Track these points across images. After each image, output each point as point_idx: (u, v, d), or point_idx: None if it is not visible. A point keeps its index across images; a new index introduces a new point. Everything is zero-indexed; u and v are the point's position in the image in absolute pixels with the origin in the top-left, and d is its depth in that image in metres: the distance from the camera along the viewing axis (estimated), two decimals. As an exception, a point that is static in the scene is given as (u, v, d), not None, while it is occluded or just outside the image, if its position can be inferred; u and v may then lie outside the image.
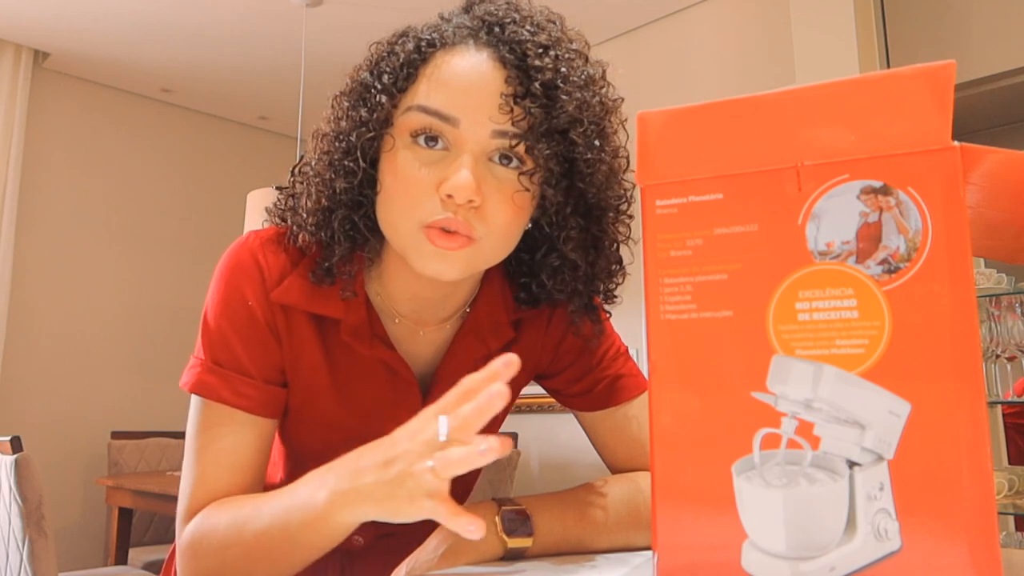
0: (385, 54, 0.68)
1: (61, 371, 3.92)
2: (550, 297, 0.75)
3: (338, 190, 0.68)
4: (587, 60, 0.68)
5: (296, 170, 0.74)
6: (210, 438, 0.69)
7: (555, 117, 0.63)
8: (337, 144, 0.68)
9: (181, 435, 3.82)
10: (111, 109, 4.27)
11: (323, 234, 0.69)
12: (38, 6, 3.47)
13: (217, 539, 0.63)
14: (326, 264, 0.70)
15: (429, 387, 0.77)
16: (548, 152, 0.64)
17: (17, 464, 1.83)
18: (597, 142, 0.66)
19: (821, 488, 0.45)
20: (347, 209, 0.69)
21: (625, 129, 0.71)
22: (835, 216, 0.45)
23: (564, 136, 0.64)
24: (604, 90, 0.68)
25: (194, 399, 0.71)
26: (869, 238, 0.44)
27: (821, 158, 0.46)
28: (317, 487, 0.57)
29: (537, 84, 0.63)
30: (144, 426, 4.01)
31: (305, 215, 0.70)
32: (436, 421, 0.52)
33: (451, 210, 0.63)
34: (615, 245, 0.73)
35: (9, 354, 3.72)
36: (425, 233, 0.64)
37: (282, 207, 0.74)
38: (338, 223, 0.69)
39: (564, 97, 0.63)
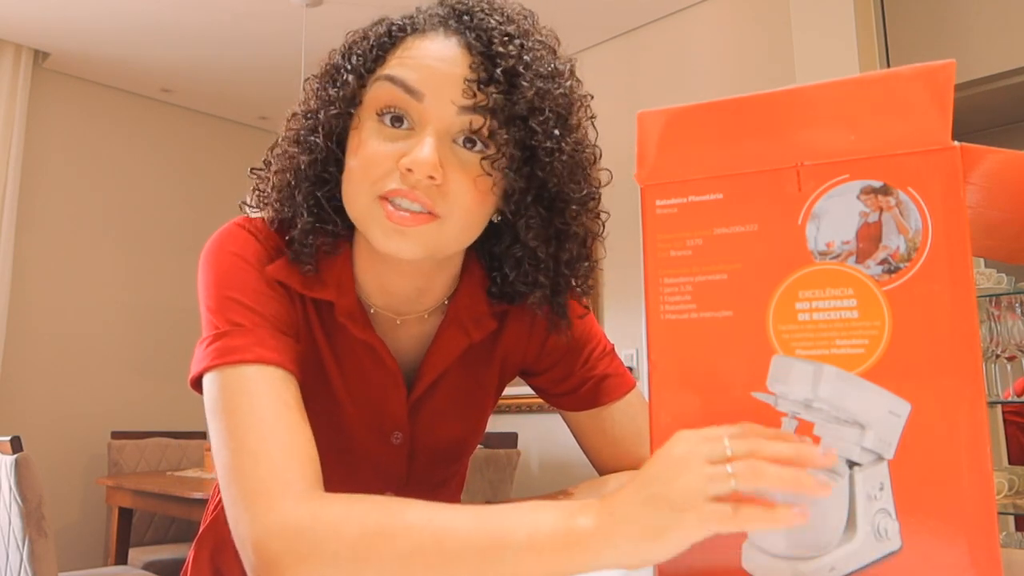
0: (358, 39, 0.70)
1: (61, 371, 3.92)
2: (514, 290, 0.75)
3: (302, 165, 0.69)
4: (555, 54, 0.70)
5: (270, 152, 0.75)
6: (260, 405, 0.60)
7: (515, 103, 0.64)
8: (305, 121, 0.70)
9: (181, 435, 3.83)
10: (111, 109, 4.27)
11: (286, 209, 0.70)
12: (38, 6, 3.47)
13: (367, 540, 0.51)
14: (296, 239, 0.69)
15: (414, 381, 0.77)
16: (507, 137, 0.65)
17: (17, 464, 1.83)
18: (557, 131, 0.67)
19: (821, 488, 0.44)
20: (311, 184, 0.69)
21: (594, 127, 0.72)
22: (835, 216, 0.45)
23: (524, 123, 0.65)
24: (570, 83, 0.70)
25: (217, 380, 0.63)
26: (869, 238, 0.44)
27: (821, 158, 0.46)
28: (567, 512, 0.49)
29: (499, 71, 0.64)
30: (144, 426, 4.01)
31: (270, 190, 0.71)
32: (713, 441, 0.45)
33: (410, 184, 0.63)
34: (582, 240, 0.73)
35: (9, 354, 3.71)
36: (381, 205, 0.64)
37: (257, 188, 0.74)
38: (301, 198, 0.69)
39: (524, 84, 0.65)
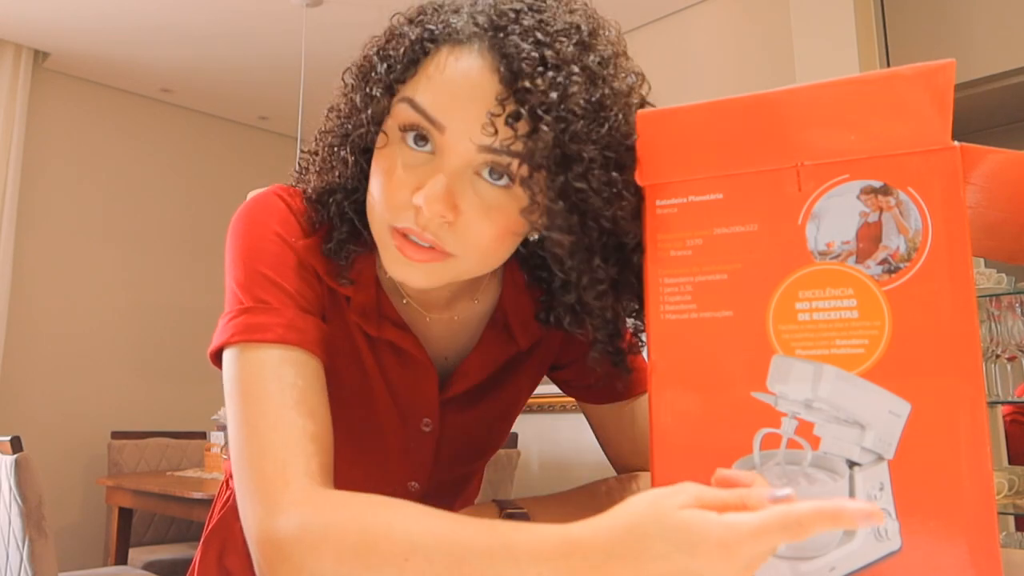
0: (396, 34, 0.63)
1: (61, 371, 3.91)
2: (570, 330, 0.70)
3: (337, 176, 0.66)
4: (611, 72, 0.59)
5: (316, 136, 0.72)
6: (275, 390, 0.59)
7: (549, 146, 0.55)
8: (340, 127, 0.66)
9: (181, 435, 3.83)
10: (111, 109, 4.27)
11: (326, 213, 0.68)
12: (38, 6, 3.47)
13: (367, 546, 0.50)
14: (331, 242, 0.68)
15: (450, 378, 0.75)
16: (548, 184, 0.57)
17: (17, 464, 1.83)
18: (615, 174, 0.57)
19: (821, 488, 0.44)
20: (342, 195, 0.67)
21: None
22: (835, 216, 0.45)
23: (562, 169, 0.56)
24: (620, 114, 0.58)
25: (236, 359, 0.62)
26: (869, 238, 0.44)
27: (821, 158, 0.46)
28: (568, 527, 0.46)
29: (531, 107, 0.55)
30: (144, 426, 4.01)
31: (311, 191, 0.69)
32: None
33: (420, 222, 0.59)
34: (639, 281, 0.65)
35: (9, 354, 3.71)
36: (392, 236, 0.61)
37: (300, 175, 0.73)
38: (335, 206, 0.67)
39: (560, 125, 0.55)
